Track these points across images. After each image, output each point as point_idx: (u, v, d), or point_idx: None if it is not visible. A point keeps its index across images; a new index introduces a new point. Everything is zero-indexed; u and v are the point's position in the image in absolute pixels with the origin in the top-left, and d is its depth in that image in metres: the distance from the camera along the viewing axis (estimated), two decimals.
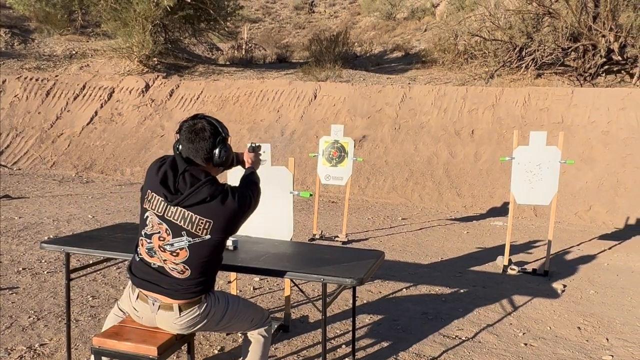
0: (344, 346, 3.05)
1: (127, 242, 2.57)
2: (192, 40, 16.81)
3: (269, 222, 2.99)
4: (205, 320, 2.09)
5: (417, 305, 3.90)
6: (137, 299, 2.08)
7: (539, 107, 10.27)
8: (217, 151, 2.06)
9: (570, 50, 11.49)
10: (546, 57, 11.70)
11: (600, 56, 11.00)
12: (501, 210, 8.73)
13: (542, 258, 5.46)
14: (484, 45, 13.68)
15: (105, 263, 3.23)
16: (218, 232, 1.99)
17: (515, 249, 6.02)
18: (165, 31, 14.81)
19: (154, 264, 2.05)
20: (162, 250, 2.01)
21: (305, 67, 13.80)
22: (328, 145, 5.63)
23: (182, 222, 1.97)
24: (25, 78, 13.52)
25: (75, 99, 13.23)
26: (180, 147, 2.09)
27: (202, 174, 2.01)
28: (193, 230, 1.96)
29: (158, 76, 13.83)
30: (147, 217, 2.02)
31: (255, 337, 2.24)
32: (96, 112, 12.94)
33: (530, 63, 11.97)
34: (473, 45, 14.28)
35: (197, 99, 13.06)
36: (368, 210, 8.59)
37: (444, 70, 14.89)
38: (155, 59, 14.14)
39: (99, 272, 4.11)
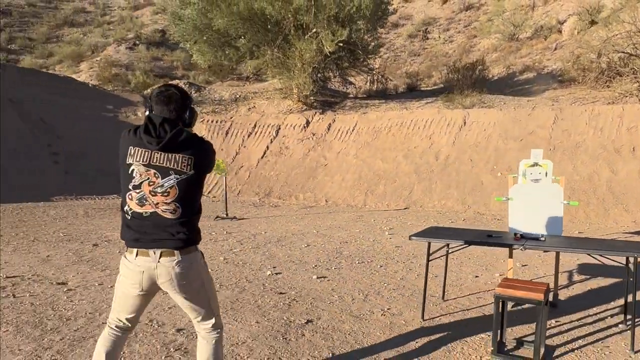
0: (609, 317, 4.00)
1: (450, 233, 3.81)
2: (337, 79, 18.66)
3: (547, 223, 4.07)
4: (196, 270, 2.35)
5: None
6: (136, 256, 2.29)
7: None
8: (187, 113, 2.36)
9: None
10: None
11: None
12: None
13: None
14: (630, 61, 13.71)
15: (448, 248, 4.49)
16: (198, 167, 2.29)
17: None
18: (318, 72, 16.74)
19: (146, 212, 2.26)
20: (153, 195, 2.25)
21: (450, 95, 14.80)
22: (528, 167, 6.59)
23: (168, 163, 2.24)
24: (208, 121, 16.14)
25: (249, 136, 15.51)
26: (153, 111, 2.34)
27: (178, 125, 2.32)
28: (179, 168, 2.25)
29: (316, 113, 15.72)
30: (133, 169, 2.26)
31: (213, 336, 2.49)
32: (267, 147, 15.05)
33: None
34: (617, 62, 14.34)
35: (352, 131, 14.64)
36: None
37: (587, 89, 15.03)
38: (312, 97, 16.07)
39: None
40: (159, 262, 2.26)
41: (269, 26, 15.07)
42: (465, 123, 13.24)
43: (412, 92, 20.05)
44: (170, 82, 2.78)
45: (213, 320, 2.47)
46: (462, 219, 9.74)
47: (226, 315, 4.00)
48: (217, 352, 2.49)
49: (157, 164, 2.24)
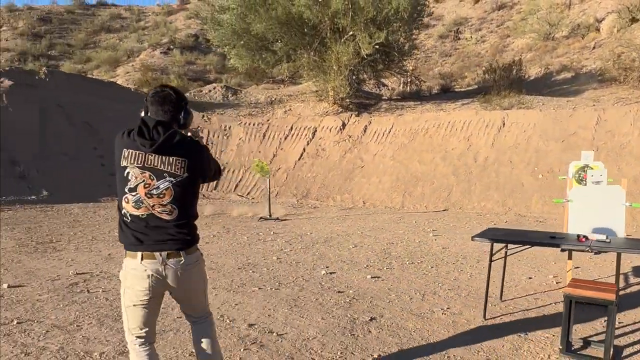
0: None
1: (513, 234, 3.88)
2: (371, 81, 18.74)
3: (608, 225, 4.10)
4: (199, 269, 2.44)
5: None
6: (141, 260, 2.28)
7: None
8: (182, 114, 2.38)
9: None
10: None
11: None
12: None
13: None
14: None
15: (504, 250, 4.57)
16: (191, 170, 2.30)
17: None
18: (353, 74, 16.86)
19: (142, 214, 2.28)
20: (148, 197, 2.26)
21: (487, 96, 14.70)
22: (578, 168, 6.57)
23: (162, 165, 2.25)
24: (245, 124, 16.44)
25: (285, 138, 15.74)
26: (148, 112, 2.36)
27: (172, 127, 2.33)
28: (173, 171, 2.26)
29: (351, 115, 15.84)
30: (128, 172, 2.27)
31: (209, 322, 2.61)
32: (304, 149, 15.25)
33: None
34: None
35: (389, 133, 14.70)
36: None
37: (630, 89, 14.72)
38: (347, 99, 16.20)
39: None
40: (166, 264, 2.29)
41: (305, 30, 15.28)
42: (504, 124, 13.15)
43: (447, 93, 19.93)
44: (166, 84, 2.95)
45: (207, 310, 2.61)
46: (504, 221, 9.70)
47: (291, 312, 4.17)
48: (214, 333, 2.62)
49: (152, 166, 2.25)
